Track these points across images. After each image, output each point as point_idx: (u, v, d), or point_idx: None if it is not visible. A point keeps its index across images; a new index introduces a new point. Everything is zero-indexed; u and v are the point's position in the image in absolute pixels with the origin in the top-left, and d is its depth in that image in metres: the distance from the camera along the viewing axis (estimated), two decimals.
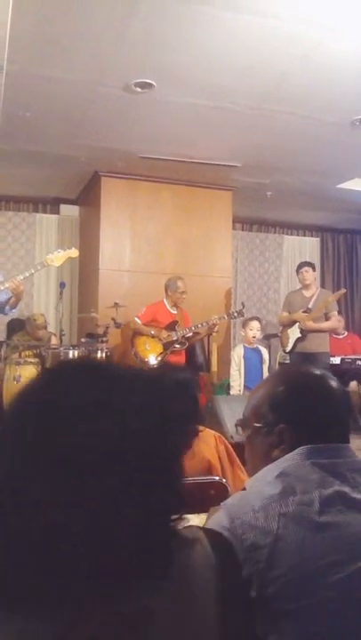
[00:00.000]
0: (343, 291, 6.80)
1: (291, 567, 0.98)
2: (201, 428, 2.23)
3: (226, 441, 2.29)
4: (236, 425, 1.30)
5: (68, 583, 0.64)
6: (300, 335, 5.98)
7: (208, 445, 2.21)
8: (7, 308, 4.54)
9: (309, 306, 6.06)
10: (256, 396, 1.26)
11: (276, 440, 1.17)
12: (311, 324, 5.94)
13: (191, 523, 1.65)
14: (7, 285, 4.39)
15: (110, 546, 0.66)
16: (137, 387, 0.77)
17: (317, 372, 1.27)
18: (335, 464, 1.10)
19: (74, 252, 4.82)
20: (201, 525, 1.45)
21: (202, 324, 5.82)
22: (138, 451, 0.70)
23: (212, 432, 2.29)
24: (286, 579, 0.97)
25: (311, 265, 6.38)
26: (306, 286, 6.22)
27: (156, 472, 0.71)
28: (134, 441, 0.70)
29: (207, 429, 2.29)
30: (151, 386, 0.80)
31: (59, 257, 4.70)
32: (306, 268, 6.24)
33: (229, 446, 2.26)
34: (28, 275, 4.54)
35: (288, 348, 6.11)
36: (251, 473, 1.23)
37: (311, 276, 6.21)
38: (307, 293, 6.19)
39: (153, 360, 5.69)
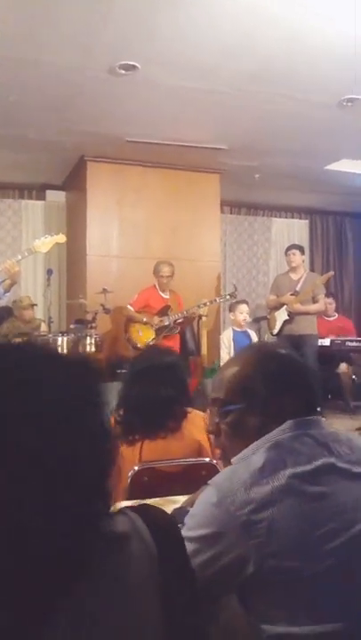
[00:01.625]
0: (331, 273, 6.82)
1: (288, 540, 0.99)
2: (189, 409, 2.24)
3: None
4: (219, 408, 1.26)
5: None
6: (287, 318, 6.00)
7: (197, 427, 2.21)
8: (1, 291, 4.52)
9: (297, 288, 6.08)
10: (237, 374, 1.23)
11: (271, 416, 1.16)
12: (299, 307, 5.97)
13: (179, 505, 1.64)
14: (3, 267, 4.35)
15: (17, 559, 0.61)
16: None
17: (284, 351, 1.29)
18: (322, 434, 1.13)
19: (61, 238, 4.79)
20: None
21: (194, 308, 5.82)
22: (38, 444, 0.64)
23: (201, 413, 2.30)
24: (285, 551, 0.99)
25: (299, 248, 6.39)
26: (293, 269, 6.23)
27: (69, 469, 0.66)
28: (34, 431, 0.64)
29: (195, 411, 2.30)
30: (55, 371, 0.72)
31: (46, 243, 4.67)
32: (293, 251, 6.25)
33: None
34: (15, 261, 4.50)
35: (275, 331, 6.13)
36: (232, 455, 1.19)
37: (298, 258, 6.21)
38: (294, 276, 6.20)
39: (146, 345, 5.69)
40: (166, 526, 0.81)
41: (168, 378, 2.19)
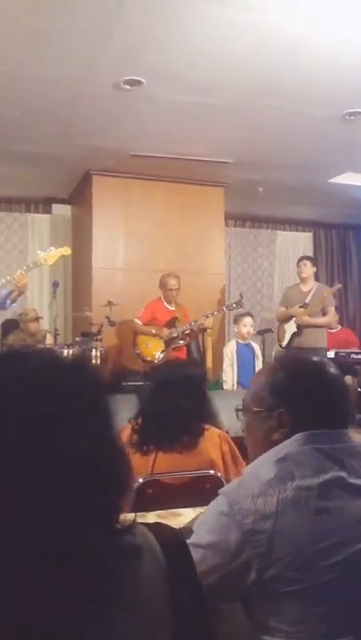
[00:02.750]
0: (338, 286, 6.81)
1: (291, 551, 1.00)
2: (207, 426, 2.22)
3: (230, 440, 2.26)
4: (237, 410, 1.32)
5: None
6: (295, 330, 5.99)
7: (213, 444, 2.20)
8: (8, 302, 4.57)
9: (306, 301, 6.06)
10: (256, 382, 1.28)
11: (276, 424, 1.19)
12: (307, 319, 5.95)
13: (186, 516, 1.66)
14: (9, 278, 4.41)
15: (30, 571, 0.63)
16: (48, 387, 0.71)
17: (316, 359, 1.29)
18: (334, 449, 1.12)
19: (66, 250, 4.83)
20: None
21: (201, 319, 5.83)
22: (61, 458, 0.66)
23: (218, 431, 2.28)
24: (286, 562, 0.99)
25: (310, 259, 6.41)
26: (303, 280, 6.22)
27: (86, 479, 0.68)
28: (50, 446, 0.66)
29: (213, 428, 2.27)
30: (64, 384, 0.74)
31: (51, 255, 4.71)
32: (304, 262, 6.26)
33: (233, 445, 2.24)
34: (22, 273, 4.54)
35: (284, 343, 6.11)
36: (251, 459, 1.25)
37: (309, 269, 6.20)
38: (304, 288, 6.19)
39: (156, 358, 5.70)
40: (175, 542, 0.84)
41: (189, 391, 2.17)
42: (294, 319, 6.02)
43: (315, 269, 6.36)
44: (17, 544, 0.62)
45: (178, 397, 2.12)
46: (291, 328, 6.06)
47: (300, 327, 5.96)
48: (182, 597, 0.79)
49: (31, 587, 0.63)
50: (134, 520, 0.78)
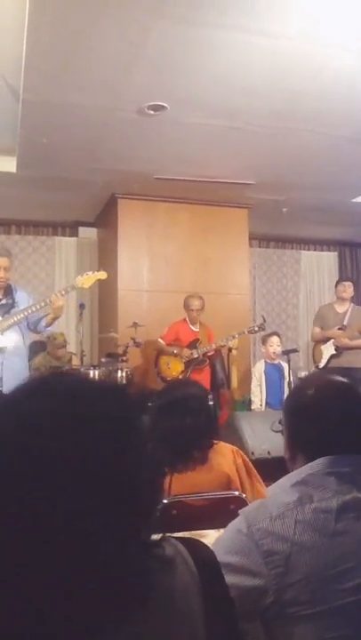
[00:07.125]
0: None
1: (308, 573, 0.99)
2: (215, 441, 2.24)
3: (244, 455, 2.30)
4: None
5: (37, 622, 0.63)
6: (334, 352, 5.92)
7: (226, 459, 2.22)
8: (42, 325, 4.61)
9: (344, 322, 6.00)
10: (287, 397, 1.32)
11: (301, 446, 1.21)
12: (347, 342, 5.87)
13: (210, 538, 1.65)
14: (47, 301, 4.43)
15: (75, 577, 0.64)
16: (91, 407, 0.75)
17: (344, 379, 1.27)
18: (354, 472, 1.12)
19: (102, 274, 4.91)
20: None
21: (223, 340, 5.83)
22: (94, 472, 0.68)
23: (230, 446, 2.30)
24: (304, 584, 0.99)
25: (353, 280, 6.41)
26: (339, 301, 6.17)
27: (120, 494, 0.70)
28: (91, 462, 0.68)
29: (222, 442, 2.30)
30: (111, 402, 0.78)
31: (88, 279, 4.79)
32: (349, 283, 6.23)
33: (247, 460, 2.27)
34: (58, 295, 4.57)
35: (322, 364, 6.01)
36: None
37: (351, 290, 6.17)
38: (340, 309, 6.14)
39: (175, 378, 5.70)
40: (207, 554, 0.85)
41: (193, 408, 2.20)
42: (333, 341, 5.96)
43: (353, 292, 6.29)
44: (43, 544, 0.64)
45: (182, 415, 2.15)
46: (328, 350, 5.97)
47: (338, 349, 5.89)
48: (217, 610, 0.79)
49: (53, 585, 0.64)
50: (164, 535, 0.80)
